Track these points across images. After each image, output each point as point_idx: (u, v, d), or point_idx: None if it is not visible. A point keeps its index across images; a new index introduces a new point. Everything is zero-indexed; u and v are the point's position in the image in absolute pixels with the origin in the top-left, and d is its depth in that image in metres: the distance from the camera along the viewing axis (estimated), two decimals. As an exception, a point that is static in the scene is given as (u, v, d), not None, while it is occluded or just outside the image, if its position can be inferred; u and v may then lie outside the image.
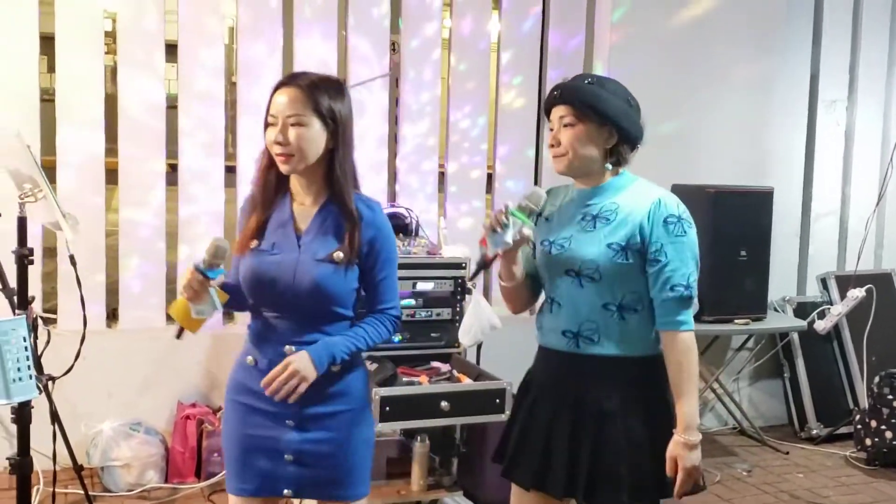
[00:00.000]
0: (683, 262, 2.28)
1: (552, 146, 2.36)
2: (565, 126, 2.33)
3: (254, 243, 2.30)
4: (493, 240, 2.26)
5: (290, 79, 2.29)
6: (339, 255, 2.24)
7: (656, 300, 2.30)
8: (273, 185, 2.32)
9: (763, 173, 5.15)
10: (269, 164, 2.30)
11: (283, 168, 2.25)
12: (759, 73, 5.16)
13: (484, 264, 2.32)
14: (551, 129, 2.37)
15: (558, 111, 2.34)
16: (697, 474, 2.29)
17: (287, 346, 2.27)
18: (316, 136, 2.23)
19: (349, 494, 2.36)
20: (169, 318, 2.32)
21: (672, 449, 2.29)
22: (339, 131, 2.25)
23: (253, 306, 2.35)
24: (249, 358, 2.34)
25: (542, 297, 2.52)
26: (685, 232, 2.31)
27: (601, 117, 2.32)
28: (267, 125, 2.27)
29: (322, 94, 2.23)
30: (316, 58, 4.49)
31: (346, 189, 2.27)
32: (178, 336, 2.26)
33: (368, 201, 2.32)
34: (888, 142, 5.58)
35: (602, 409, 2.33)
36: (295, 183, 2.33)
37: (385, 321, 2.34)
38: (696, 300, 2.32)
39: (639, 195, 2.35)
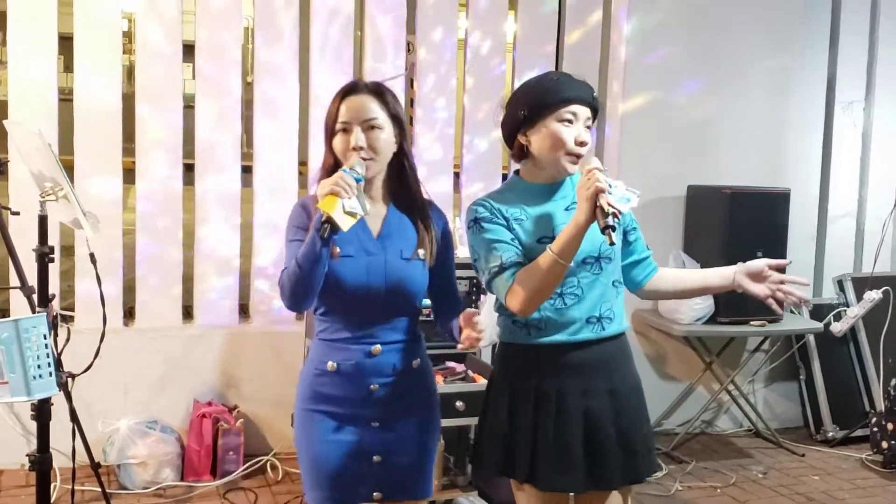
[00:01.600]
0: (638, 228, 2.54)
1: (583, 144, 2.33)
2: (587, 128, 2.37)
3: (337, 250, 2.26)
4: (616, 197, 2.17)
5: (354, 86, 2.32)
6: (422, 251, 2.33)
7: (640, 259, 2.51)
8: None
9: (780, 174, 5.13)
10: (334, 171, 2.25)
11: (368, 171, 2.26)
12: (776, 74, 5.14)
13: (615, 221, 2.15)
14: (569, 121, 2.32)
15: (587, 112, 2.36)
16: None
17: (375, 346, 2.31)
18: (389, 139, 2.30)
19: (420, 493, 2.42)
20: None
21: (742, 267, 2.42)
22: (404, 132, 2.34)
23: (332, 312, 2.33)
24: (330, 364, 2.32)
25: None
26: None
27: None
28: (335, 132, 2.28)
29: (388, 97, 2.31)
30: (332, 58, 4.50)
31: (417, 188, 2.38)
32: (325, 233, 2.12)
33: (430, 203, 2.45)
34: (905, 143, 5.56)
35: (630, 386, 2.45)
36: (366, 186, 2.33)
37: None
38: None
39: (578, 176, 2.43)
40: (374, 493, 2.34)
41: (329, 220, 2.12)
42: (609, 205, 2.14)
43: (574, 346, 2.37)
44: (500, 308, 2.40)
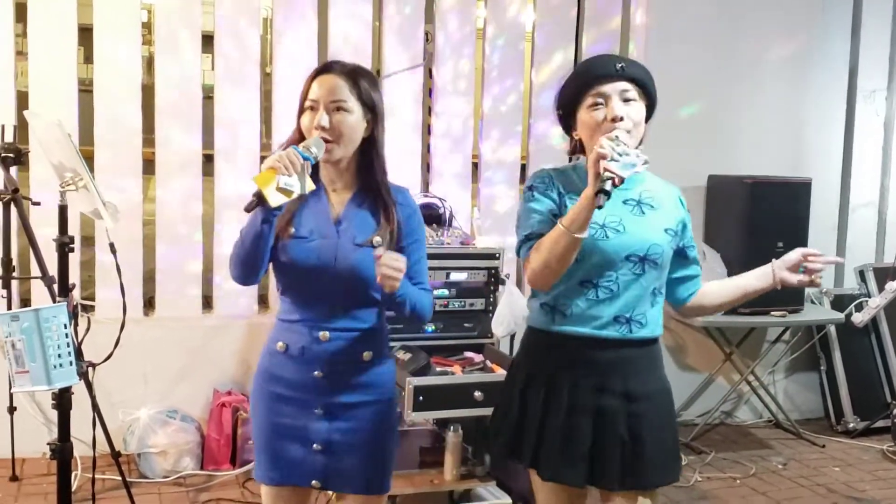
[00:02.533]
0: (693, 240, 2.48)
1: (616, 119, 2.25)
2: (626, 101, 2.27)
3: (290, 230, 2.27)
4: (621, 164, 2.10)
5: (329, 66, 2.28)
6: (378, 239, 2.25)
7: (690, 275, 2.47)
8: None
9: (801, 164, 5.10)
10: None
11: (329, 154, 2.22)
12: (797, 62, 5.10)
13: (612, 187, 2.10)
14: (598, 104, 2.27)
15: (620, 84, 2.27)
16: None
17: (322, 332, 2.28)
18: (357, 123, 2.24)
19: (372, 488, 2.36)
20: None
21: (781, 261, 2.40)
22: (377, 120, 2.28)
23: (287, 292, 2.34)
24: (280, 343, 2.33)
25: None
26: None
27: (650, 99, 2.34)
28: (302, 111, 2.26)
29: (363, 81, 2.25)
30: (350, 48, 4.50)
31: (384, 177, 2.30)
32: (250, 207, 2.11)
33: (398, 187, 2.35)
34: (928, 132, 5.50)
35: (648, 391, 2.36)
36: (328, 170, 2.31)
37: (428, 296, 2.34)
38: None
39: (662, 184, 2.44)
40: (313, 481, 2.32)
41: (258, 195, 2.09)
42: (606, 169, 2.08)
43: (595, 342, 2.31)
44: (533, 289, 2.40)
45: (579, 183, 2.31)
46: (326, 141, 2.21)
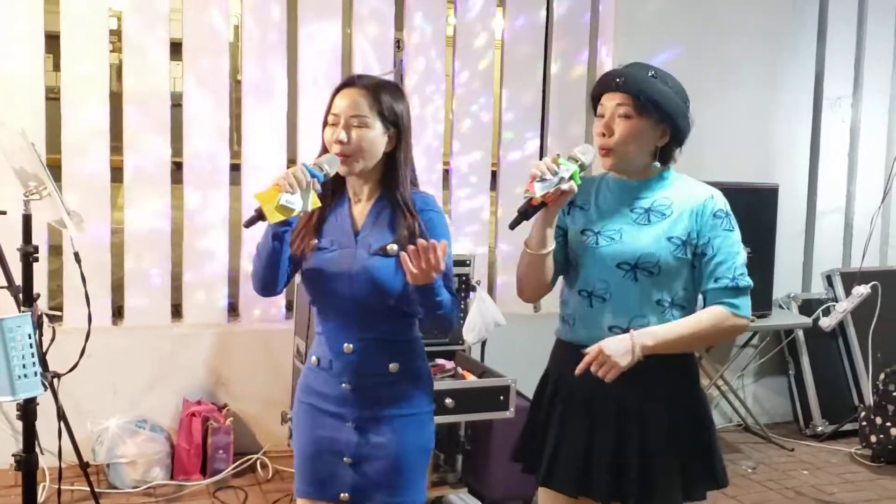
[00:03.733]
0: (730, 256, 2.29)
1: (602, 135, 2.27)
2: (621, 117, 2.27)
3: (314, 243, 2.30)
4: (542, 184, 2.14)
5: (352, 80, 2.29)
6: (394, 247, 2.22)
7: (708, 290, 2.30)
8: (329, 185, 2.31)
9: (768, 170, 5.14)
10: None
11: (342, 169, 2.24)
12: (765, 69, 5.15)
13: (528, 211, 2.15)
14: (600, 116, 2.30)
15: (615, 98, 2.28)
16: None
17: (346, 344, 2.29)
18: (377, 138, 2.24)
19: (403, 501, 2.34)
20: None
21: (607, 340, 2.23)
22: (401, 134, 2.28)
23: (315, 304, 2.36)
24: (314, 358, 2.36)
25: (564, 289, 2.41)
26: (733, 227, 2.34)
27: (661, 115, 2.30)
28: (326, 125, 2.28)
29: (385, 96, 2.25)
30: (320, 55, 4.50)
31: (405, 191, 2.27)
32: (250, 223, 2.16)
33: (421, 194, 2.33)
34: (894, 138, 5.58)
35: (647, 407, 2.30)
36: (352, 183, 2.33)
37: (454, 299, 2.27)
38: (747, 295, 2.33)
39: (689, 191, 2.36)
40: (341, 494, 2.31)
41: (259, 211, 2.13)
42: (526, 190, 2.13)
43: (583, 348, 2.27)
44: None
45: (598, 187, 2.39)
46: (345, 156, 2.22)
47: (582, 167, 2.23)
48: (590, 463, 2.31)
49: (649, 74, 2.32)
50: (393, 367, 2.28)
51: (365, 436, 2.29)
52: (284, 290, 2.41)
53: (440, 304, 2.21)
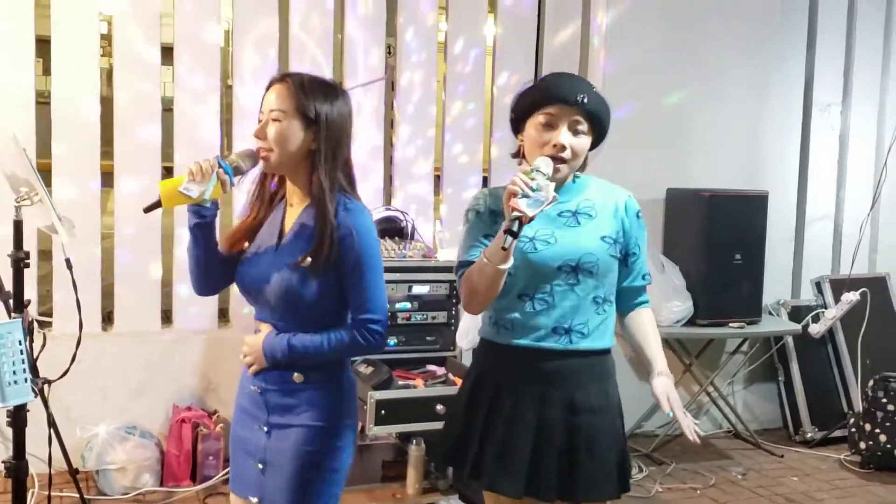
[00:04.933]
0: (644, 253, 2.46)
1: (558, 147, 2.26)
2: (579, 133, 2.29)
3: (244, 246, 2.31)
4: (530, 201, 2.11)
5: (281, 76, 2.27)
6: (308, 259, 2.17)
7: (628, 287, 2.44)
8: (267, 187, 2.32)
9: (758, 177, 5.16)
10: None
11: (264, 165, 2.25)
12: (754, 76, 5.17)
13: (519, 228, 2.11)
14: (549, 126, 2.28)
15: (574, 115, 2.28)
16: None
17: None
18: (292, 133, 2.18)
19: None
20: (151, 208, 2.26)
21: (664, 386, 2.36)
22: (322, 132, 2.19)
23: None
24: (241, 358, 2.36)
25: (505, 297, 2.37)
26: (644, 226, 2.46)
27: (602, 132, 2.37)
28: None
29: (308, 92, 2.20)
30: (312, 61, 4.49)
31: (326, 192, 2.17)
32: (148, 208, 2.23)
33: (349, 203, 2.21)
34: (882, 145, 5.60)
35: (592, 404, 2.36)
36: (288, 185, 2.30)
37: (355, 330, 2.20)
38: None
39: (608, 192, 2.43)
40: (250, 497, 2.30)
41: (154, 204, 2.21)
42: (514, 208, 2.09)
43: (536, 353, 2.33)
44: None
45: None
46: (265, 150, 2.21)
47: (550, 179, 2.23)
48: (538, 464, 2.33)
49: (594, 90, 2.34)
50: (297, 376, 2.22)
51: (270, 441, 2.25)
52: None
53: (319, 355, 2.19)
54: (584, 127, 2.30)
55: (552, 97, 2.29)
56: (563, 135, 2.27)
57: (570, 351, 2.34)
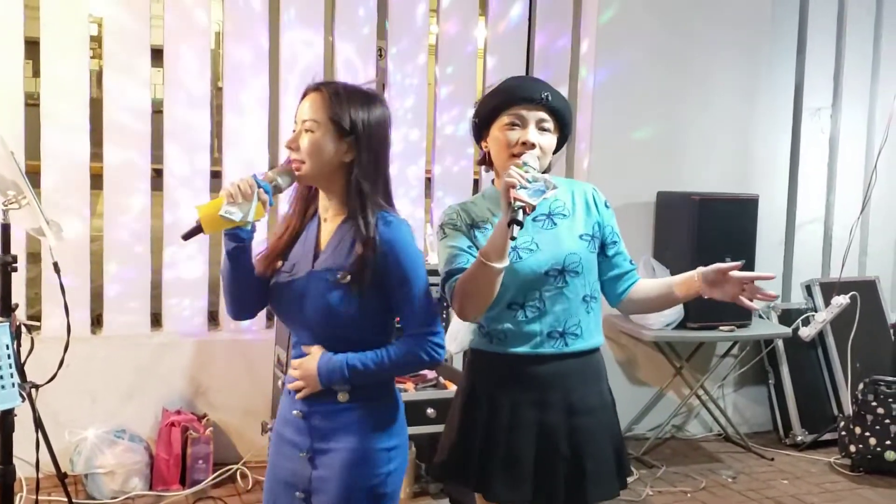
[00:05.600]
0: (621, 239, 2.48)
1: (528, 145, 2.27)
2: (543, 130, 2.31)
3: (278, 263, 2.20)
4: (530, 192, 2.09)
5: (316, 85, 2.16)
6: (345, 276, 2.08)
7: (619, 273, 2.44)
8: (303, 200, 2.24)
9: (748, 181, 5.17)
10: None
11: (298, 176, 2.14)
12: (745, 80, 5.18)
13: (523, 216, 2.08)
14: (515, 125, 2.29)
15: (539, 114, 2.30)
16: None
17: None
18: (326, 144, 2.09)
19: None
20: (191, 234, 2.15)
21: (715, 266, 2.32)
22: (360, 142, 2.10)
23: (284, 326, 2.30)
24: (281, 381, 2.29)
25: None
26: (613, 213, 2.48)
27: (566, 132, 2.39)
28: None
29: (344, 101, 2.10)
30: (302, 63, 4.49)
31: (365, 205, 2.09)
32: (187, 235, 2.11)
33: (388, 217, 2.12)
34: (872, 149, 5.62)
35: (589, 405, 2.37)
36: (322, 198, 2.20)
37: (415, 344, 2.11)
38: None
39: (573, 188, 2.44)
40: None
41: (198, 222, 2.10)
42: (516, 198, 2.08)
43: (533, 359, 2.32)
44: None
45: (488, 212, 2.36)
46: (297, 162, 2.11)
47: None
48: (543, 470, 2.32)
49: (555, 90, 2.36)
50: (342, 396, 2.12)
51: (315, 470, 2.13)
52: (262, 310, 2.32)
53: (380, 373, 2.11)
54: (549, 125, 2.32)
55: (517, 98, 2.31)
56: (532, 133, 2.29)
57: (566, 353, 2.34)
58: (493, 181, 2.48)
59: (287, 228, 2.24)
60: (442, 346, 2.15)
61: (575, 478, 2.33)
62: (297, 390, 2.14)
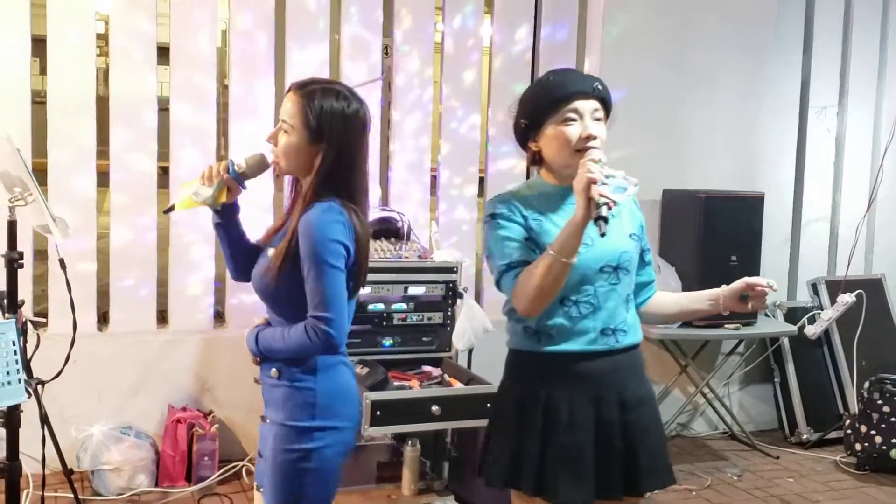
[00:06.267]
0: None
1: (591, 137, 2.25)
2: (596, 120, 2.29)
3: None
4: (611, 188, 2.09)
5: (297, 85, 2.27)
6: (271, 251, 2.26)
7: (647, 280, 2.49)
8: (292, 190, 2.38)
9: (754, 179, 5.17)
10: None
11: (276, 172, 2.33)
12: (750, 78, 5.17)
13: (608, 212, 2.09)
14: (574, 120, 2.26)
15: (593, 104, 2.28)
16: None
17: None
18: (298, 148, 2.22)
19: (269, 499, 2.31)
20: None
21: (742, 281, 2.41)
22: (330, 149, 2.20)
23: None
24: None
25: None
26: None
27: (608, 116, 2.36)
28: None
29: (318, 106, 2.19)
30: (309, 61, 4.49)
31: (310, 193, 2.21)
32: (167, 210, 2.45)
33: (324, 203, 2.19)
34: (878, 148, 5.61)
35: (640, 397, 2.40)
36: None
37: (306, 326, 2.18)
38: None
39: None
40: (257, 483, 2.42)
41: (172, 206, 2.35)
42: (601, 195, 2.08)
43: (587, 356, 2.31)
44: (510, 312, 2.36)
45: (539, 202, 2.33)
46: (275, 158, 2.28)
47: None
48: (602, 466, 2.32)
49: (598, 78, 2.36)
50: (274, 372, 2.29)
51: (264, 432, 2.35)
52: None
53: (279, 349, 2.25)
54: (600, 114, 2.31)
55: (570, 92, 2.28)
56: (591, 124, 2.27)
57: (617, 349, 2.34)
58: (536, 174, 2.45)
59: (287, 211, 2.38)
60: (331, 334, 2.16)
61: (630, 471, 2.34)
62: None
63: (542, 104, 2.30)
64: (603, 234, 2.09)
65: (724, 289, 2.41)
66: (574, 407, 2.31)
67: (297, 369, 2.26)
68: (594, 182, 2.09)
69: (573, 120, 2.26)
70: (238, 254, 2.40)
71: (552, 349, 2.31)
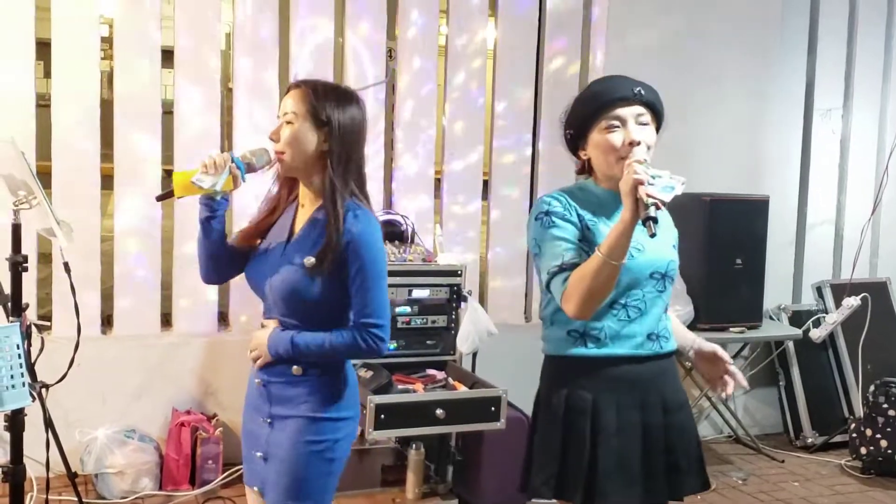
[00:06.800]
0: None
1: (634, 143, 2.24)
2: (642, 125, 2.29)
3: (257, 242, 2.39)
4: (658, 188, 2.09)
5: (297, 82, 2.33)
6: (311, 260, 2.23)
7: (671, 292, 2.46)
8: (287, 185, 2.39)
9: (758, 181, 5.16)
10: None
11: (279, 166, 2.32)
12: (755, 80, 5.17)
13: (657, 213, 2.08)
14: (617, 126, 2.26)
15: (636, 109, 2.28)
16: None
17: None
18: (304, 135, 2.25)
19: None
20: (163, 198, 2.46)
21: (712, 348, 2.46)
22: (334, 135, 2.25)
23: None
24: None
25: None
26: None
27: (661, 120, 2.37)
28: None
29: (321, 96, 2.26)
30: (313, 64, 4.49)
31: (336, 194, 2.24)
32: (160, 197, 2.41)
33: (358, 210, 2.26)
34: (883, 150, 5.59)
35: (679, 401, 2.42)
36: (301, 188, 2.36)
37: (356, 333, 2.24)
38: None
39: None
40: (255, 487, 2.41)
41: (167, 193, 2.32)
42: (649, 195, 2.07)
43: (634, 361, 2.31)
44: (554, 315, 2.34)
45: (591, 203, 2.33)
46: (279, 151, 2.28)
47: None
48: (649, 470, 2.32)
49: (641, 83, 2.35)
50: (296, 369, 2.29)
51: (272, 433, 2.33)
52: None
53: (320, 354, 2.25)
54: (646, 118, 2.30)
55: (610, 99, 2.28)
56: (634, 130, 2.26)
57: (661, 354, 2.36)
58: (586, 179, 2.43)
59: (270, 209, 2.41)
60: (383, 340, 2.26)
61: (671, 473, 2.35)
62: (257, 360, 2.34)
63: (585, 113, 2.32)
64: (653, 235, 2.09)
65: (696, 342, 2.49)
66: (621, 411, 2.31)
67: (322, 366, 2.31)
68: (640, 183, 2.09)
69: (616, 127, 2.27)
70: (219, 253, 2.39)
71: (600, 353, 2.30)
